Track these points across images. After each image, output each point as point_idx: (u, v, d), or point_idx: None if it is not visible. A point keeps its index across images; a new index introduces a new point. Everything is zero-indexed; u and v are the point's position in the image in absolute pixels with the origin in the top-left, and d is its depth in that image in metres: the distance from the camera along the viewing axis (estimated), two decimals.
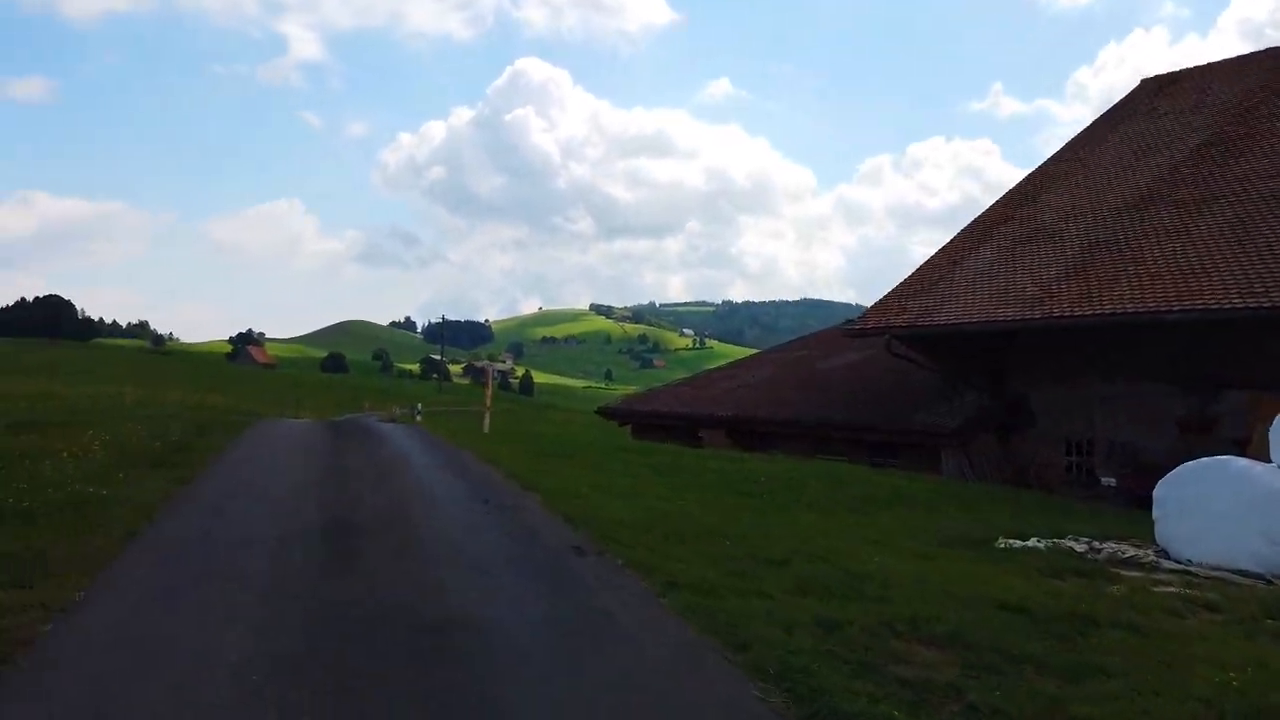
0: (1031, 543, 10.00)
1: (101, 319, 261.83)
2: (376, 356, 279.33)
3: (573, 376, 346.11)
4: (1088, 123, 27.12)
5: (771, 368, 29.59)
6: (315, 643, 5.13)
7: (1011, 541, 10.00)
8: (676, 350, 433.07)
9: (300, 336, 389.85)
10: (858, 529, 10.58)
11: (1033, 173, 25.17)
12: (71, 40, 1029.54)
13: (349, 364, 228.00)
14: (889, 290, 22.80)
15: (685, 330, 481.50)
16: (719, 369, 34.49)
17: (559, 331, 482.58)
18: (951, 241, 24.06)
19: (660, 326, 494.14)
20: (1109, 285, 17.65)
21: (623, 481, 12.47)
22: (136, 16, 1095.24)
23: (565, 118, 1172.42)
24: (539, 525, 8.81)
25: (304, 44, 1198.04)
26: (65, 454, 10.40)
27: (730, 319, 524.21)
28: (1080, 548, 9.89)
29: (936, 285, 21.94)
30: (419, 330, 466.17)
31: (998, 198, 25.14)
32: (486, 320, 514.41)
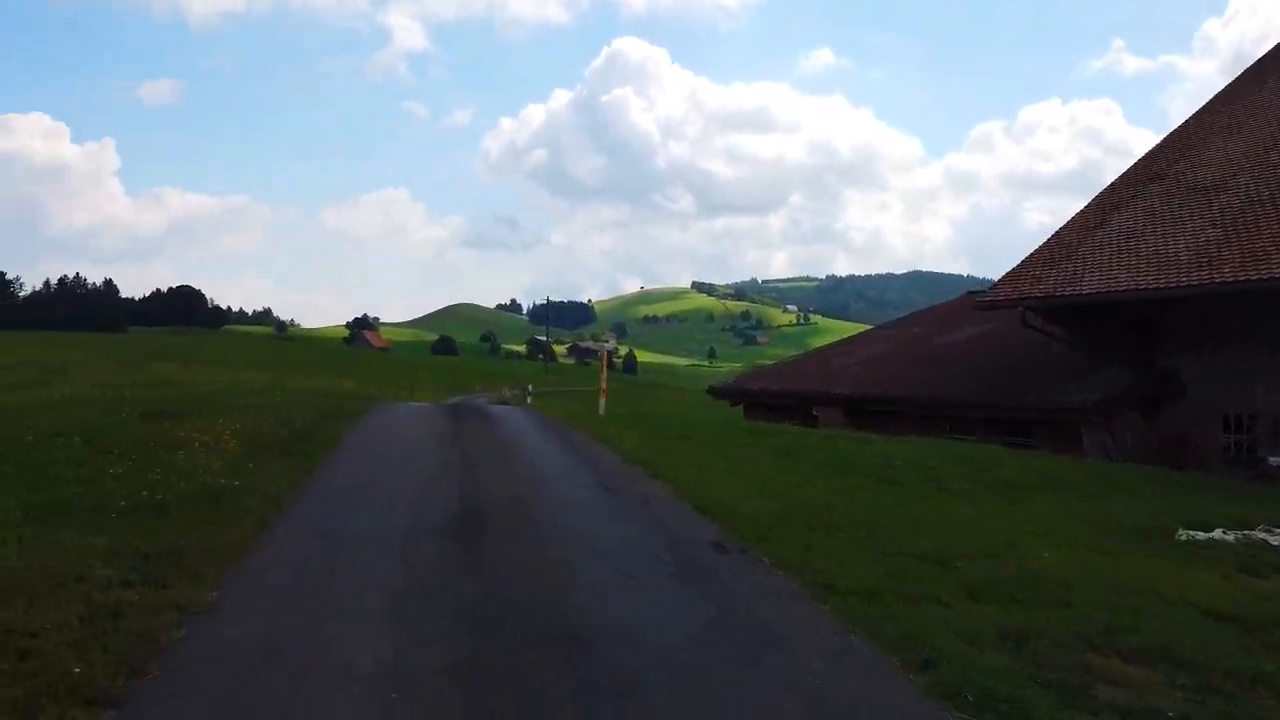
0: (1217, 534, 8.95)
1: (229, 307, 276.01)
2: (484, 338, 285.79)
3: (675, 355, 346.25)
4: (1216, 78, 24.86)
5: (887, 344, 28.39)
6: (452, 654, 4.76)
7: (1194, 533, 8.97)
8: (780, 326, 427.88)
9: (412, 320, 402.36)
10: (1012, 519, 9.72)
11: (1177, 129, 23.14)
12: (195, 42, 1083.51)
13: (458, 346, 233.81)
14: (1021, 260, 21.38)
15: (789, 306, 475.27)
16: (832, 346, 33.43)
17: (661, 310, 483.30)
18: (1088, 206, 22.37)
19: (763, 303, 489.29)
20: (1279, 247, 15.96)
21: (748, 466, 11.89)
22: (252, 16, 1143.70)
23: (664, 96, 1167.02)
24: (670, 516, 8.32)
25: (408, 35, 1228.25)
26: (197, 443, 10.49)
27: (834, 294, 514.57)
28: (1275, 540, 8.79)
29: (1075, 252, 20.40)
30: (524, 312, 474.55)
31: (1122, 160, 23.47)
32: (589, 301, 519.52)
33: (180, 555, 6.35)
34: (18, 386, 17.90)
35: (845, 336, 37.51)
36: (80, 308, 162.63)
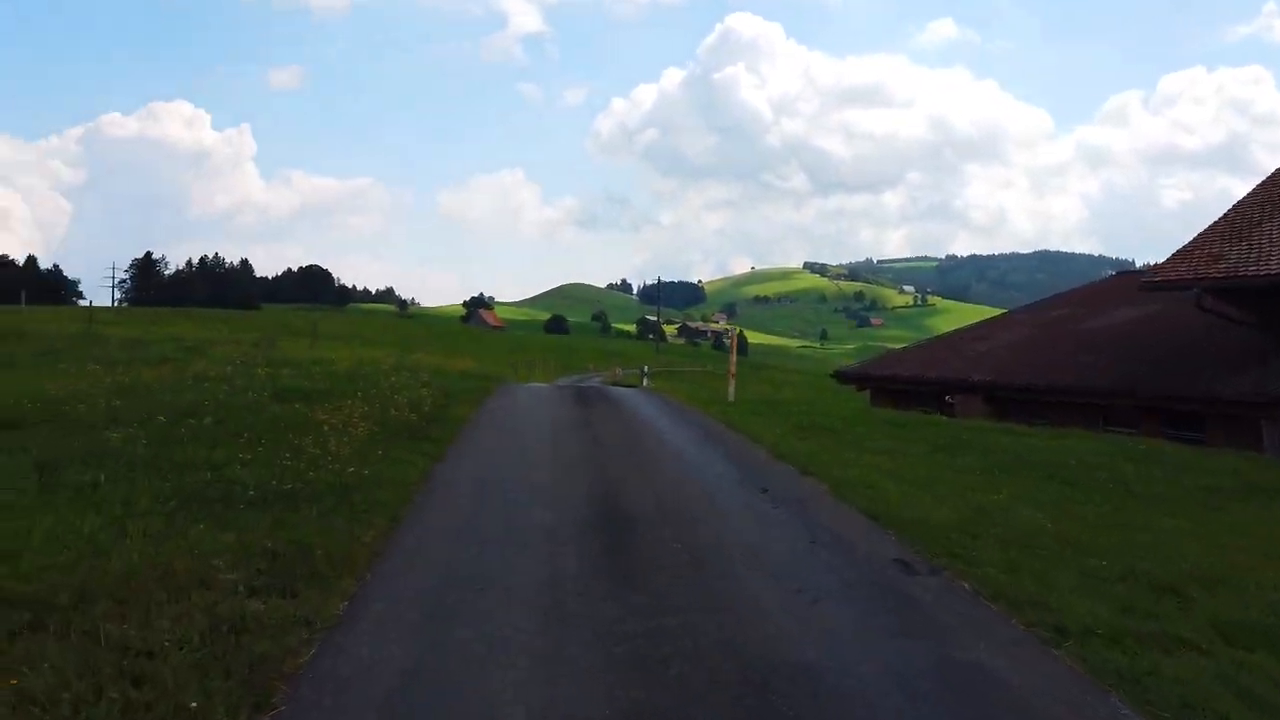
0: None
1: (354, 286, 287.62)
2: (595, 318, 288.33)
3: (786, 336, 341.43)
4: None
5: (1027, 328, 26.44)
6: (610, 699, 3.99)
7: None
8: (895, 308, 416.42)
9: (525, 300, 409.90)
10: (1223, 532, 8.35)
11: None
12: (317, 29, 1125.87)
13: (569, 325, 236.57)
14: (1194, 237, 19.29)
15: (905, 287, 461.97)
16: (966, 330, 31.46)
17: (771, 290, 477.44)
18: (1271, 177, 20.05)
19: (878, 283, 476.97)
20: None
21: (904, 463, 10.78)
22: (373, 2, 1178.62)
23: (776, 72, 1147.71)
24: (838, 525, 7.37)
25: (523, 17, 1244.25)
26: (326, 426, 10.13)
27: (954, 274, 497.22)
28: None
29: (1259, 227, 18.23)
30: (634, 292, 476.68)
31: (1273, 132, 20.70)
32: (699, 281, 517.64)
33: (309, 556, 5.82)
34: (159, 361, 18.24)
35: (970, 321, 35.44)
36: (219, 286, 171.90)
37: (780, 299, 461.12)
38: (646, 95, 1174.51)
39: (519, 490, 8.42)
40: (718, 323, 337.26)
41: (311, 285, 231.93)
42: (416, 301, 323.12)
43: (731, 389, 17.69)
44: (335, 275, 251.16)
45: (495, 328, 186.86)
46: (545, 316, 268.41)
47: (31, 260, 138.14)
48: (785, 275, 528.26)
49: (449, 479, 8.74)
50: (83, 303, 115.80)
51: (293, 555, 5.81)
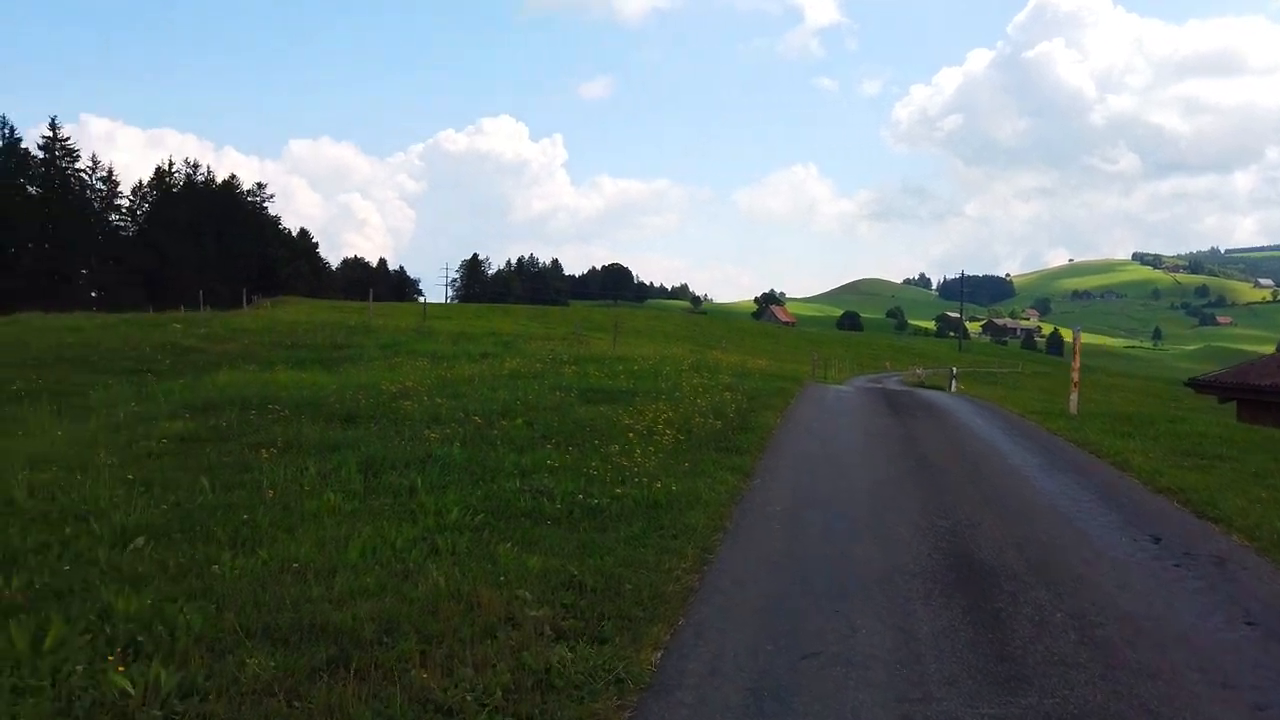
0: None
1: (651, 283, 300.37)
2: (890, 314, 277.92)
3: (1110, 334, 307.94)
4: None
5: None
6: None
7: None
8: (1249, 303, 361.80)
9: (817, 295, 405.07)
10: None
11: None
12: (626, 39, 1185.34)
13: (863, 322, 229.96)
14: None
15: (1261, 280, 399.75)
16: None
17: (1091, 284, 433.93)
18: None
19: (1225, 276, 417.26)
20: None
21: None
22: (675, 8, 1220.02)
23: (1101, 44, 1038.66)
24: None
25: (820, 11, 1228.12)
26: (632, 433, 9.69)
27: None
28: None
29: None
30: (933, 287, 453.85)
31: None
32: (1007, 275, 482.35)
33: (618, 591, 5.18)
34: (479, 357, 19.20)
35: None
36: (533, 284, 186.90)
37: (1102, 293, 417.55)
38: (950, 80, 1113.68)
39: (841, 520, 7.35)
40: (1029, 319, 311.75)
41: (613, 282, 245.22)
42: (709, 298, 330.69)
43: (1074, 399, 15.27)
44: (635, 273, 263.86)
45: (786, 324, 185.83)
46: (837, 313, 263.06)
47: (383, 262, 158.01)
48: (1109, 267, 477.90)
49: (760, 501, 7.86)
50: (422, 299, 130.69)
51: (600, 589, 5.20)
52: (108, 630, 3.85)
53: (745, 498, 7.97)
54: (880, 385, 39.37)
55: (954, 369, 40.91)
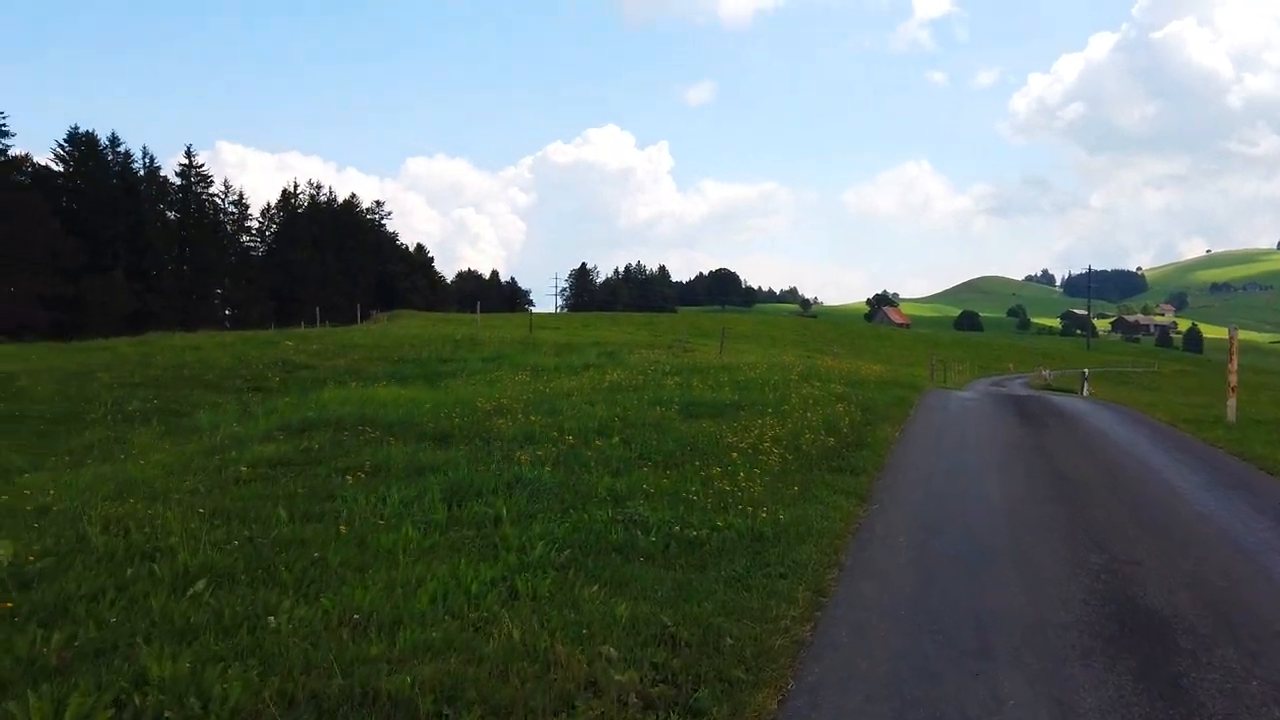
0: None
1: (759, 286, 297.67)
2: (1011, 313, 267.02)
3: (1257, 329, 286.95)
4: None
5: None
6: None
7: None
8: None
9: (932, 295, 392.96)
10: None
11: None
12: (728, 42, 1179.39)
13: (981, 321, 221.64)
14: None
15: None
16: None
17: (1232, 275, 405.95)
18: None
19: None
20: None
21: None
22: (779, 8, 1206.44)
23: (1237, 20, 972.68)
24: None
25: (929, 2, 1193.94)
26: (735, 453, 8.99)
27: None
28: None
29: None
30: (1057, 283, 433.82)
31: None
32: (1138, 269, 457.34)
33: (716, 647, 4.53)
34: (581, 369, 18.82)
35: None
36: (640, 290, 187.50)
37: (1245, 285, 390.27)
38: (1070, 66, 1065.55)
39: (975, 554, 6.46)
40: (1163, 315, 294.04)
41: (720, 287, 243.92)
42: (819, 300, 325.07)
43: (1231, 405, 13.69)
44: (742, 277, 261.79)
45: (900, 325, 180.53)
46: (955, 312, 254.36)
47: (495, 274, 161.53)
48: (1250, 257, 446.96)
49: (881, 531, 7.04)
50: (532, 309, 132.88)
51: (696, 643, 4.54)
52: (136, 701, 3.43)
53: (863, 526, 7.17)
54: (1004, 389, 37.20)
55: (1085, 370, 38.27)
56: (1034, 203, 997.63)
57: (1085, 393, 31.94)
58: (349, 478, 7.71)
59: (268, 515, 6.40)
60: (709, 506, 7.05)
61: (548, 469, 8.06)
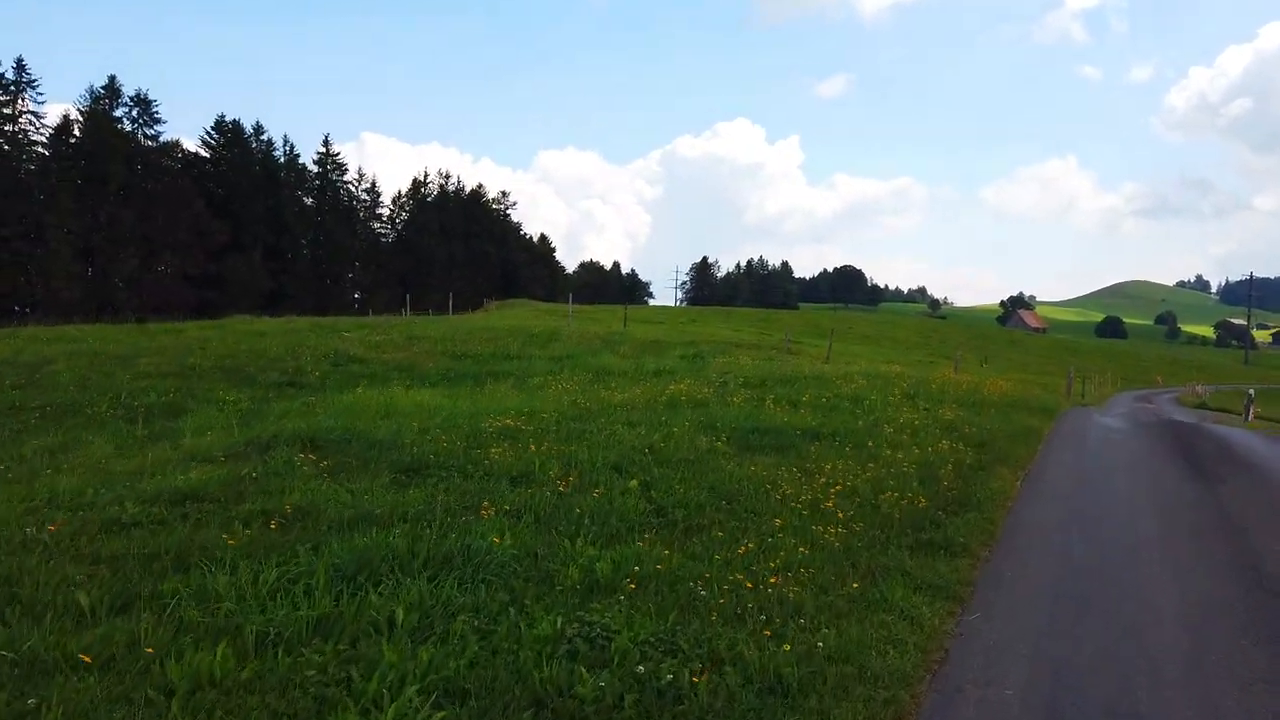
0: None
1: (886, 285, 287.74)
2: (1159, 320, 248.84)
3: None
4: None
5: None
6: None
7: None
8: None
9: (1073, 299, 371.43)
10: None
11: None
12: (864, 36, 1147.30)
13: (1126, 328, 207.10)
14: None
15: None
16: None
17: None
18: None
19: None
20: None
21: None
22: (918, 2, 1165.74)
23: None
24: None
25: None
26: (785, 514, 6.61)
27: None
28: None
29: None
30: (1213, 290, 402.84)
31: None
32: None
33: None
34: (651, 376, 16.65)
35: None
36: (762, 286, 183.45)
37: None
38: (1236, 59, 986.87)
39: (1134, 689, 3.93)
40: None
41: (845, 284, 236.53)
42: (949, 301, 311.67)
43: None
44: (868, 275, 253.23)
45: (1035, 330, 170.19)
46: (1098, 317, 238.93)
47: (616, 265, 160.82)
48: None
49: (978, 676, 4.54)
50: (653, 302, 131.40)
51: None
52: None
53: (950, 659, 4.69)
54: (1153, 407, 32.80)
55: (1251, 390, 33.24)
56: (1192, 204, 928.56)
57: (1250, 418, 27.43)
58: (249, 529, 5.78)
59: (65, 599, 4.49)
60: (715, 615, 4.75)
61: (519, 527, 5.93)
